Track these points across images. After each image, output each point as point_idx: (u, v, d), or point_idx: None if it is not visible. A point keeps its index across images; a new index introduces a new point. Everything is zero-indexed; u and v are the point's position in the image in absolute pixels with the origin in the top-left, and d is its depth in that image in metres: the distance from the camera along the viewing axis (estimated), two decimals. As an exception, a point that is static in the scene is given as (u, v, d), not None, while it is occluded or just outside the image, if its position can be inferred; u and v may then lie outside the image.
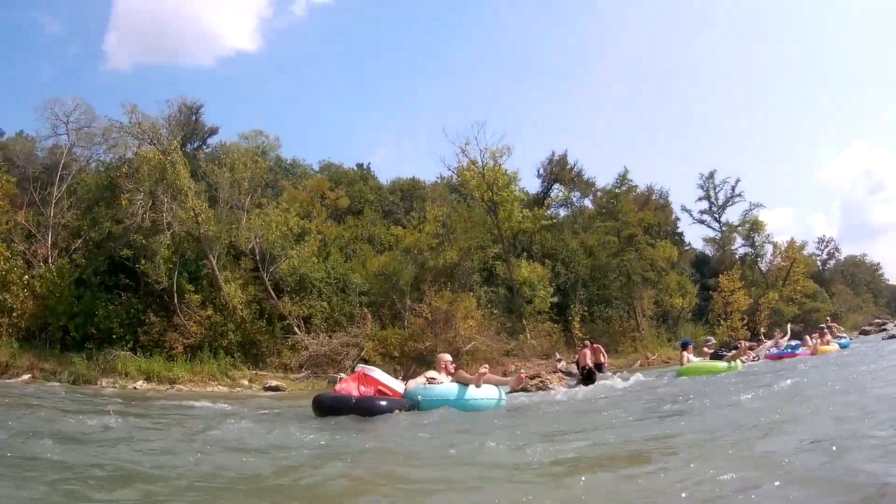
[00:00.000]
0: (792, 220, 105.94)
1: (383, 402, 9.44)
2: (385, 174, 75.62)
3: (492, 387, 10.59)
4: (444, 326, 28.75)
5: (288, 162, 47.70)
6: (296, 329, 28.51)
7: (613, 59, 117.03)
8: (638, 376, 16.56)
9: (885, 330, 35.69)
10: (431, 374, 10.52)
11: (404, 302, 31.17)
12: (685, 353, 17.69)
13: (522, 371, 12.90)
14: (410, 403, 9.68)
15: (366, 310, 30.42)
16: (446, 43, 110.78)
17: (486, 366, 11.08)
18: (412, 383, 10.24)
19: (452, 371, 10.82)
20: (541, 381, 15.77)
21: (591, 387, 14.99)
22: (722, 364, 16.26)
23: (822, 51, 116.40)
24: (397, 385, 10.15)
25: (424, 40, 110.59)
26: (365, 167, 53.25)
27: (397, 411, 9.27)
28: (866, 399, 7.23)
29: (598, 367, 20.36)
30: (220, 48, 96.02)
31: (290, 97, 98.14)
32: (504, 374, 26.26)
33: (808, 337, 23.39)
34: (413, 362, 27.05)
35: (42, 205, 31.06)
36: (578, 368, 18.67)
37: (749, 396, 8.51)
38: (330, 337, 28.64)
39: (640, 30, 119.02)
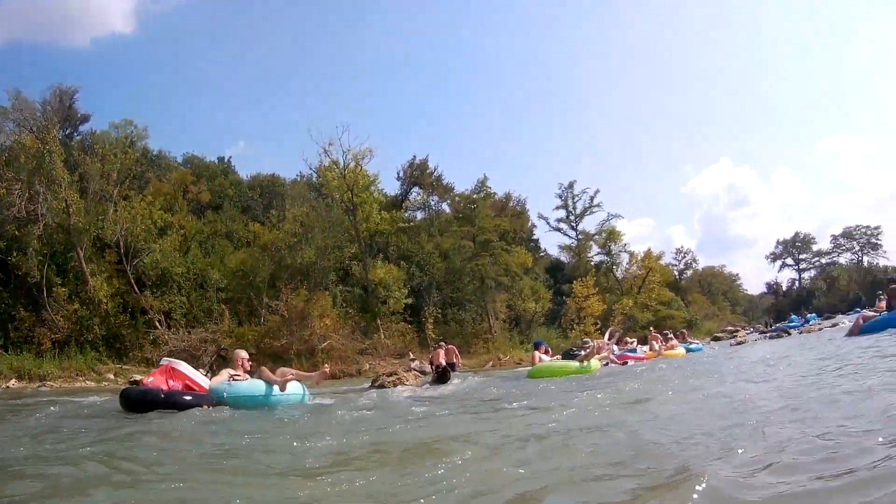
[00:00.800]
0: (652, 230, 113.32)
1: (189, 397, 9.48)
2: (245, 168, 74.86)
3: (295, 383, 10.80)
4: (299, 324, 29.68)
5: (154, 153, 46.15)
6: (157, 324, 29.13)
7: (481, 66, 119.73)
8: (480, 377, 17.82)
9: (734, 336, 39.14)
10: (231, 371, 10.61)
11: (261, 299, 31.87)
12: (537, 353, 18.11)
13: (326, 366, 13.06)
14: (216, 399, 9.64)
15: (223, 306, 31.14)
16: (315, 41, 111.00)
17: (294, 371, 11.52)
18: (216, 380, 10.31)
19: (248, 368, 11.00)
20: (397, 378, 16.55)
21: (445, 385, 15.59)
22: (573, 364, 16.50)
23: (696, 70, 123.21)
24: (203, 380, 10.25)
25: (294, 37, 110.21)
26: (226, 161, 53.28)
27: (204, 406, 9.27)
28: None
29: (451, 366, 20.76)
30: (97, 29, 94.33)
31: (160, 84, 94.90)
32: (358, 373, 27.60)
33: (653, 342, 24.58)
34: (269, 359, 26.92)
35: None
36: (432, 368, 19.54)
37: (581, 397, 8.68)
38: (189, 332, 29.03)
39: (506, 38, 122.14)
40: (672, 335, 27.82)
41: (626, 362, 20.46)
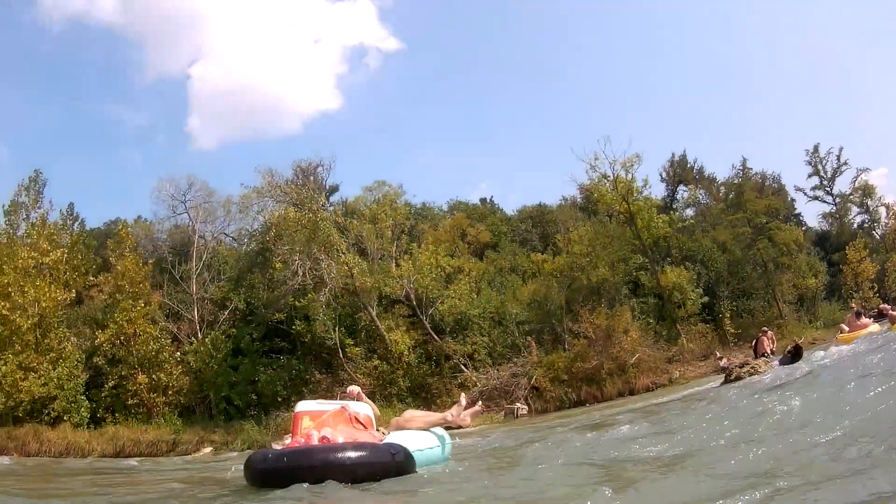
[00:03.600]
0: (886, 179, 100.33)
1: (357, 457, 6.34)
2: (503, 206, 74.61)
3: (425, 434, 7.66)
4: (605, 343, 28.35)
5: (418, 206, 47.11)
6: (462, 367, 28.61)
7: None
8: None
9: None
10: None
11: (562, 325, 30.74)
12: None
13: (463, 396, 8.52)
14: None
15: (529, 338, 30.08)
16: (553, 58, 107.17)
17: (420, 413, 8.72)
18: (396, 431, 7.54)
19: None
20: (751, 368, 16.99)
21: (797, 363, 16.17)
22: None
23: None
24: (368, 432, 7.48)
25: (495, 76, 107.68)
26: (489, 200, 53.63)
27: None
28: None
29: (772, 352, 21.07)
30: (303, 112, 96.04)
31: (380, 147, 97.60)
32: (670, 381, 27.30)
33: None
34: (582, 383, 26.94)
35: (179, 282, 32.62)
36: (756, 356, 20.11)
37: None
38: (497, 370, 28.59)
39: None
40: None
41: None
